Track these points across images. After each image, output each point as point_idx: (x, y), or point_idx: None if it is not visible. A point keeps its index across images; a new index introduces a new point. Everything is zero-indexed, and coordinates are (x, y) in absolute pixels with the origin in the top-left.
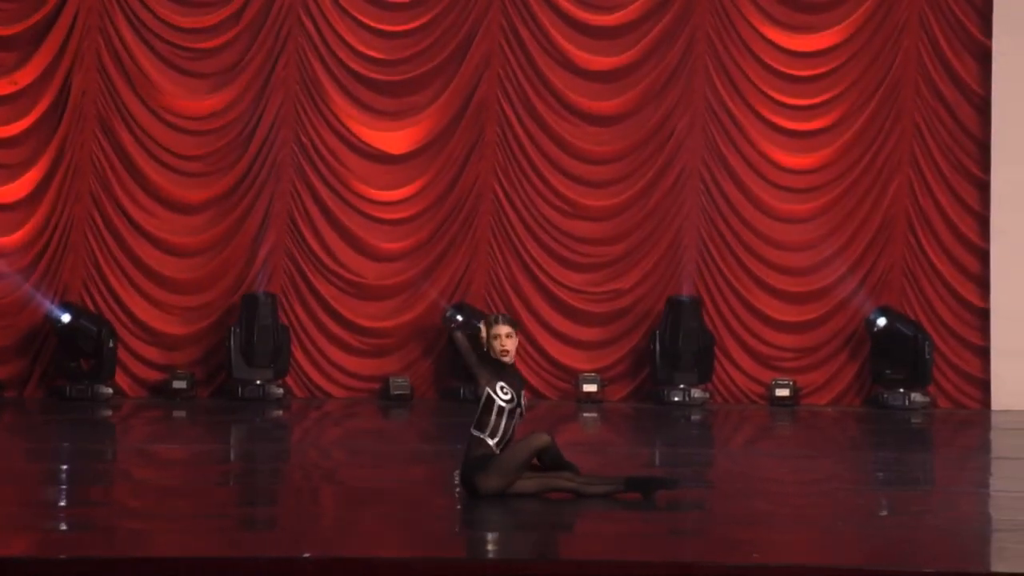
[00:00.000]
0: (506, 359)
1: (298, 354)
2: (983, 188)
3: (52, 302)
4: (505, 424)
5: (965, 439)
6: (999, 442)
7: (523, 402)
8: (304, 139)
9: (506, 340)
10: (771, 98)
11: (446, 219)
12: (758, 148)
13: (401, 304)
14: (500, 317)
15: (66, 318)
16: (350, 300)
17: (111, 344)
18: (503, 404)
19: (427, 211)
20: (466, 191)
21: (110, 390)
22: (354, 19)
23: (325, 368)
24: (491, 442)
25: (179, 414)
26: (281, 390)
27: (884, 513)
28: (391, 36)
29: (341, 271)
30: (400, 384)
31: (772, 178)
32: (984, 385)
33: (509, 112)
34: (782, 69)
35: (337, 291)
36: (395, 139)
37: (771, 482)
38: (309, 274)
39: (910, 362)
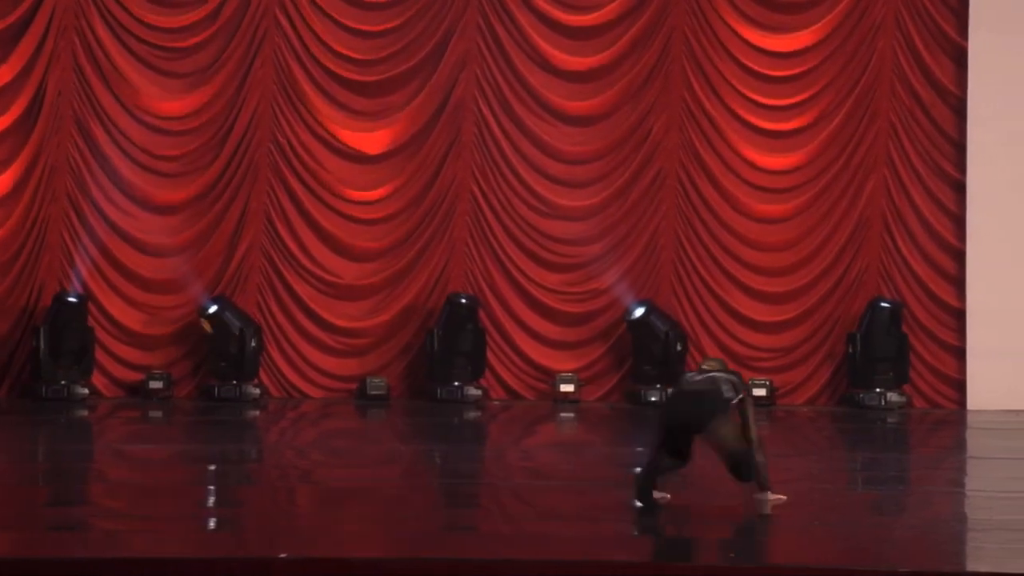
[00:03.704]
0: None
1: (275, 354)
2: (959, 188)
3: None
4: None
5: (941, 439)
6: (974, 442)
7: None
8: (281, 139)
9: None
10: (748, 98)
11: (423, 219)
12: (735, 148)
13: (378, 304)
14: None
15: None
16: (327, 300)
17: (90, 344)
18: None
19: (404, 211)
20: (443, 191)
21: (86, 391)
22: (331, 19)
23: (302, 368)
24: None
25: (155, 414)
26: (258, 390)
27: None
28: (368, 36)
29: (318, 271)
30: (377, 384)
31: (748, 178)
32: (960, 385)
33: (486, 112)
34: (759, 69)
35: (314, 291)
36: (372, 139)
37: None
38: (286, 274)
39: (892, 361)
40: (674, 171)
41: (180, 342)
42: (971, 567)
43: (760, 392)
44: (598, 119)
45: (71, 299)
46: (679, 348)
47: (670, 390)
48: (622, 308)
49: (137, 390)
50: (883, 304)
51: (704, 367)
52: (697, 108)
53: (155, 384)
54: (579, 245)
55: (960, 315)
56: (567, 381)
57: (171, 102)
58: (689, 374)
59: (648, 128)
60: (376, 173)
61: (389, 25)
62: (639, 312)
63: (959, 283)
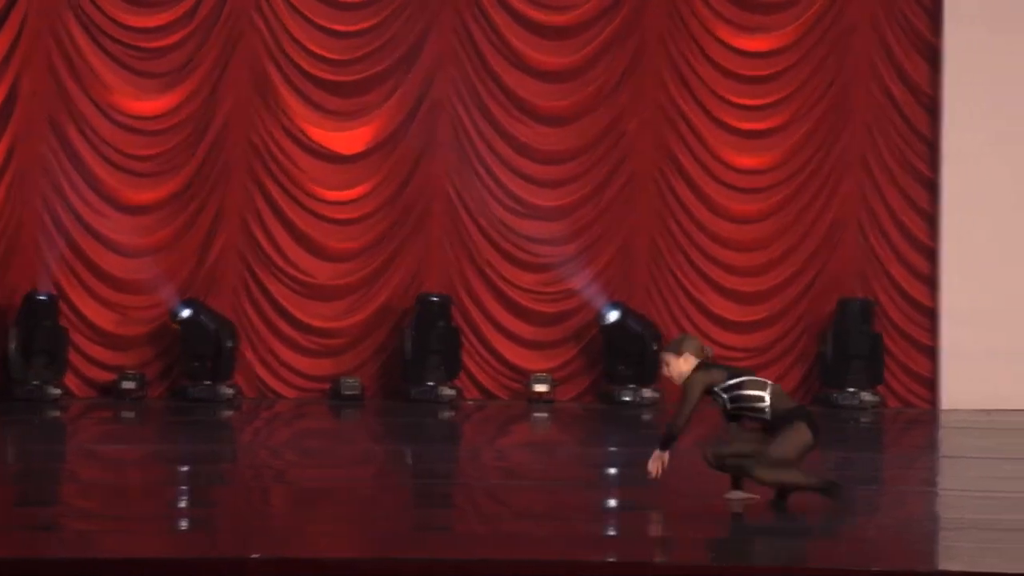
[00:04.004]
0: (677, 383)
1: (249, 354)
2: (933, 188)
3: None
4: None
5: (914, 438)
6: (947, 441)
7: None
8: (256, 139)
9: (666, 369)
10: (723, 98)
11: (398, 219)
12: (709, 148)
13: (352, 304)
14: (664, 344)
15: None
16: (301, 300)
17: (62, 345)
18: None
19: (379, 211)
20: (419, 191)
21: (58, 391)
22: (306, 19)
23: (275, 368)
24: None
25: (128, 415)
26: (231, 390)
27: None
28: (343, 36)
29: (292, 271)
30: (351, 384)
31: (723, 178)
32: (933, 384)
33: (461, 111)
34: (734, 69)
35: (288, 291)
36: (347, 139)
37: (718, 482)
38: (260, 274)
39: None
40: (649, 171)
41: (153, 342)
42: (944, 566)
43: None
44: (573, 119)
45: (42, 299)
46: (654, 348)
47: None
48: (595, 309)
49: (110, 390)
50: (854, 303)
51: (709, 357)
52: (672, 108)
53: (128, 384)
54: (554, 245)
55: (933, 315)
56: (541, 381)
57: (145, 102)
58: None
59: (623, 128)
60: (351, 173)
61: (364, 25)
62: (613, 317)
63: (932, 283)
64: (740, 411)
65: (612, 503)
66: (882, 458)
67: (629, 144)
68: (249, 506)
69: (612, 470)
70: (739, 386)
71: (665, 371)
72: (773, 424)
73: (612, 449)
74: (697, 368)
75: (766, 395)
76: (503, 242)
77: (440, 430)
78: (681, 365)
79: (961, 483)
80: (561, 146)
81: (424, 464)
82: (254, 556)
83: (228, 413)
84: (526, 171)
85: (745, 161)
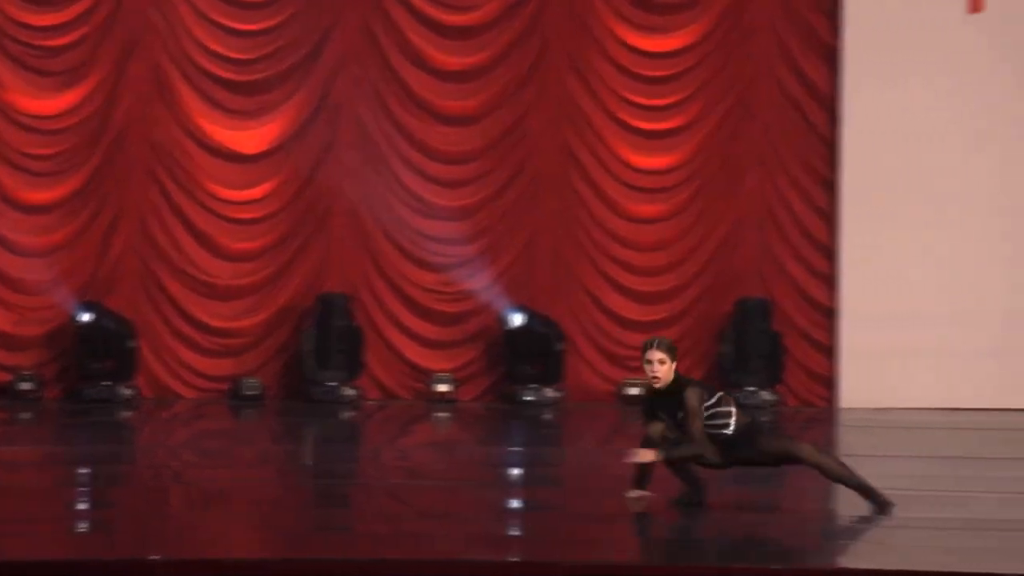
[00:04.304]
0: (656, 384)
1: (148, 355)
2: (831, 188)
3: None
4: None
5: (813, 436)
6: (845, 439)
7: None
8: (156, 138)
9: (658, 367)
10: (624, 98)
11: (300, 219)
12: (611, 148)
13: (253, 304)
14: (655, 341)
15: None
16: (202, 300)
17: None
18: (650, 436)
19: (281, 211)
20: (320, 190)
21: None
22: (207, 18)
23: (175, 369)
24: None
25: (25, 416)
26: (130, 391)
27: (738, 510)
28: (245, 35)
29: (193, 271)
30: (251, 384)
31: (625, 178)
32: (831, 383)
33: (364, 111)
34: (635, 70)
35: (188, 291)
36: (249, 139)
37: (621, 480)
38: (160, 274)
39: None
40: (551, 171)
41: (51, 343)
42: (841, 563)
43: (635, 391)
44: (476, 119)
45: None
46: (557, 348)
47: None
48: (498, 310)
49: (6, 391)
50: (753, 303)
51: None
52: (574, 109)
53: (25, 385)
54: (456, 245)
55: (832, 314)
56: (443, 381)
57: (43, 101)
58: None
59: (525, 128)
60: (252, 173)
61: (266, 24)
62: (518, 321)
63: (831, 282)
64: (708, 428)
65: (514, 503)
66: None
67: (531, 145)
68: (148, 507)
69: (513, 470)
70: (717, 403)
71: (653, 368)
72: (732, 439)
73: (514, 449)
74: (691, 383)
75: (733, 410)
76: (405, 242)
77: (341, 430)
78: (670, 370)
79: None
80: (464, 146)
81: (325, 464)
82: (153, 557)
83: (127, 414)
84: (428, 171)
85: (647, 161)
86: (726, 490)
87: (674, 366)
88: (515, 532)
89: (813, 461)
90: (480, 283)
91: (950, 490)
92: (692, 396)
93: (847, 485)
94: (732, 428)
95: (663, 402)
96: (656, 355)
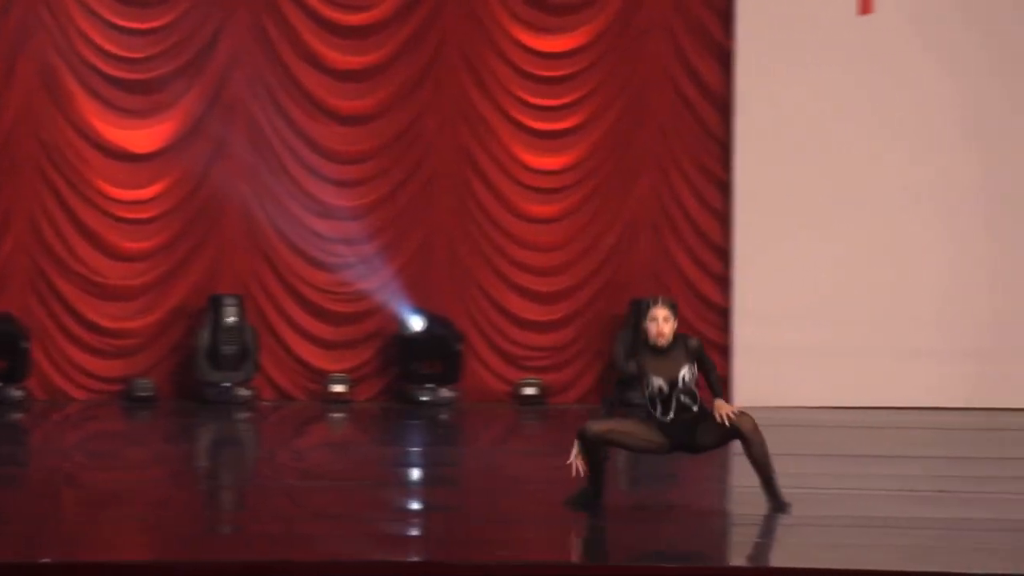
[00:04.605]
0: (661, 342)
1: (39, 356)
2: (725, 188)
3: None
4: (662, 407)
5: None
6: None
7: (685, 379)
8: (46, 138)
9: (663, 324)
10: (519, 99)
11: (193, 219)
12: (507, 148)
13: (145, 305)
14: (659, 299)
15: None
16: (93, 300)
17: None
18: (648, 395)
19: (173, 210)
20: (213, 190)
21: None
22: (98, 16)
23: (66, 370)
24: (654, 412)
25: None
26: (20, 392)
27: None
28: (136, 34)
29: (84, 271)
30: (144, 385)
31: (521, 178)
32: (726, 382)
33: (257, 111)
34: (531, 70)
35: (80, 291)
36: (140, 138)
37: (518, 480)
38: (50, 274)
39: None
40: (447, 171)
41: None
42: (733, 562)
43: (531, 391)
44: (371, 119)
45: None
46: (455, 349)
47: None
48: (395, 311)
49: None
50: (647, 303)
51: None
52: (470, 109)
53: None
54: (351, 245)
55: (726, 313)
56: (338, 381)
57: None
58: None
59: (421, 128)
60: (145, 172)
61: (157, 23)
62: (418, 325)
63: (725, 282)
64: (688, 393)
65: (411, 503)
66: (677, 455)
67: (427, 145)
68: (39, 510)
69: (410, 470)
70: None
71: (659, 325)
72: (698, 415)
73: (410, 449)
74: (689, 336)
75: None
76: (300, 242)
77: (235, 431)
78: (673, 328)
79: (752, 480)
80: (359, 146)
81: (219, 465)
82: (44, 560)
83: (17, 416)
84: (323, 171)
85: (542, 162)
86: (621, 491)
87: (675, 325)
88: (413, 532)
89: (753, 436)
90: (376, 283)
91: (842, 488)
92: (703, 346)
93: (761, 472)
94: (698, 406)
95: (659, 362)
96: (661, 312)
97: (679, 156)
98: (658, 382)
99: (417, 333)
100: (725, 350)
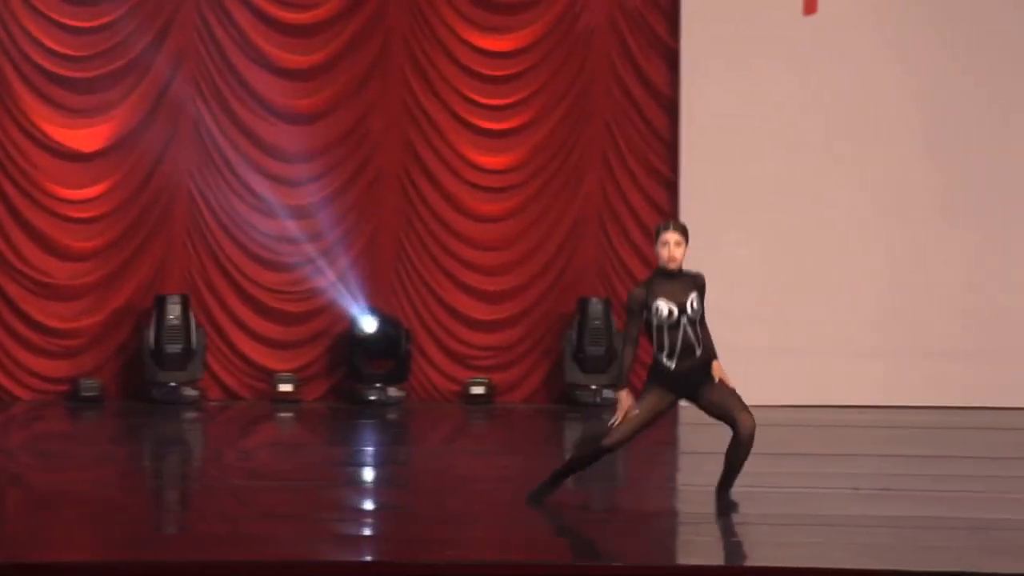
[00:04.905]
0: (672, 266)
1: None
2: (671, 187)
3: None
4: (669, 342)
5: (655, 434)
6: (685, 437)
7: (693, 307)
8: None
9: (674, 248)
10: (466, 97)
11: (138, 218)
12: (453, 147)
13: (92, 304)
14: (671, 223)
15: None
16: (38, 300)
17: None
18: (656, 326)
19: (119, 209)
20: (159, 189)
21: None
22: (42, 14)
23: (11, 370)
24: (660, 356)
25: None
26: None
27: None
28: (81, 32)
29: (29, 271)
30: (90, 386)
31: (468, 177)
32: None
33: (203, 109)
34: (477, 69)
35: (25, 291)
36: (85, 136)
37: (466, 480)
38: None
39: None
40: (394, 170)
41: None
42: (682, 560)
43: (479, 390)
44: (317, 117)
45: None
46: (404, 348)
47: None
48: (349, 315)
49: None
50: (595, 302)
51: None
52: (416, 107)
53: None
54: (298, 244)
55: None
56: (285, 381)
57: None
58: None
59: (367, 127)
60: (90, 171)
61: (102, 21)
62: (370, 326)
63: None
64: (693, 325)
65: (359, 503)
66: (622, 454)
67: (374, 143)
68: None
69: (358, 469)
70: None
71: (672, 250)
72: (700, 367)
73: (358, 449)
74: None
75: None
76: (247, 241)
77: (182, 431)
78: (684, 253)
79: (699, 479)
80: (305, 145)
81: (165, 465)
82: None
83: None
84: (270, 169)
85: (489, 160)
86: (569, 490)
87: (686, 251)
88: (361, 532)
89: (747, 439)
90: (323, 282)
91: (793, 487)
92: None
93: (730, 472)
94: (701, 352)
95: (669, 286)
96: (673, 236)
97: (625, 155)
98: (667, 306)
99: (368, 333)
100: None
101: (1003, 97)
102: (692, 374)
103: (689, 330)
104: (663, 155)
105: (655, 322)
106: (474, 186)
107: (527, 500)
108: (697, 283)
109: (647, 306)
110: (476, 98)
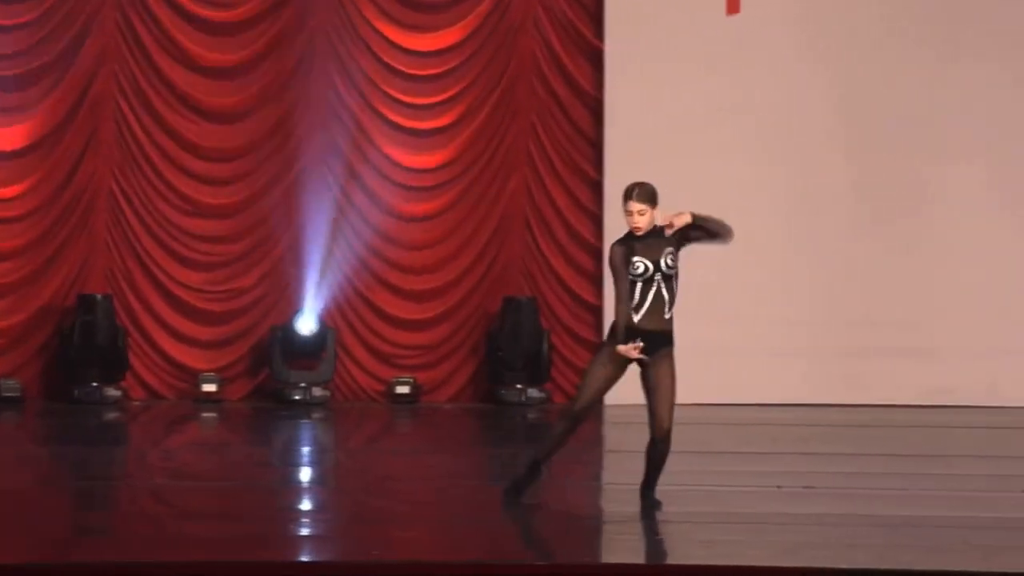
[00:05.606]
0: (637, 233)
1: None
2: (596, 188)
3: None
4: (640, 293)
5: (580, 432)
6: (611, 436)
7: (667, 263)
8: None
9: (638, 218)
10: (391, 97)
11: (60, 216)
12: (378, 147)
13: (12, 304)
14: (633, 192)
15: None
16: None
17: None
18: (631, 278)
19: (40, 208)
20: (81, 188)
21: None
22: None
23: None
24: (627, 308)
25: None
26: None
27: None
28: (1, 30)
29: None
30: (10, 386)
31: (393, 177)
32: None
33: (125, 108)
34: (402, 68)
35: None
36: (6, 135)
37: (390, 479)
38: None
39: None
40: (317, 169)
41: None
42: (606, 558)
43: (404, 390)
44: (240, 116)
45: None
46: (330, 347)
47: None
48: (285, 316)
49: None
50: (521, 300)
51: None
52: (341, 106)
53: None
54: (221, 243)
55: (598, 312)
56: (209, 380)
57: None
58: None
59: (291, 125)
60: (10, 170)
61: (22, 19)
62: (308, 328)
63: (597, 280)
64: (667, 280)
65: (283, 503)
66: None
67: (297, 142)
68: None
69: (282, 469)
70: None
71: (635, 219)
72: (661, 338)
73: (281, 448)
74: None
75: None
76: (169, 240)
77: (105, 431)
78: (651, 218)
79: (624, 478)
80: (228, 143)
81: (87, 466)
82: None
83: None
84: (193, 169)
85: (414, 160)
86: (489, 488)
87: (655, 212)
88: (285, 532)
89: (663, 439)
90: (247, 282)
91: (713, 484)
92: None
93: (652, 470)
94: (669, 316)
95: (645, 246)
96: (635, 207)
97: (551, 155)
98: (642, 263)
99: (290, 330)
100: (598, 349)
101: (922, 99)
102: (653, 337)
103: (663, 286)
104: (588, 155)
105: (631, 275)
106: (399, 185)
107: (503, 496)
108: (675, 236)
109: (628, 261)
110: (401, 97)
